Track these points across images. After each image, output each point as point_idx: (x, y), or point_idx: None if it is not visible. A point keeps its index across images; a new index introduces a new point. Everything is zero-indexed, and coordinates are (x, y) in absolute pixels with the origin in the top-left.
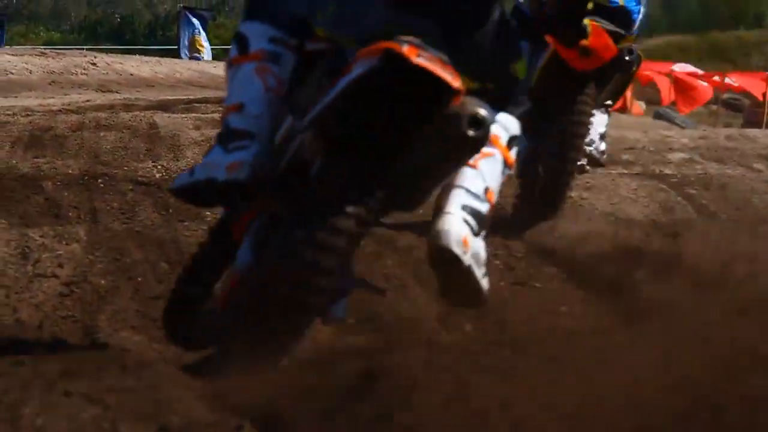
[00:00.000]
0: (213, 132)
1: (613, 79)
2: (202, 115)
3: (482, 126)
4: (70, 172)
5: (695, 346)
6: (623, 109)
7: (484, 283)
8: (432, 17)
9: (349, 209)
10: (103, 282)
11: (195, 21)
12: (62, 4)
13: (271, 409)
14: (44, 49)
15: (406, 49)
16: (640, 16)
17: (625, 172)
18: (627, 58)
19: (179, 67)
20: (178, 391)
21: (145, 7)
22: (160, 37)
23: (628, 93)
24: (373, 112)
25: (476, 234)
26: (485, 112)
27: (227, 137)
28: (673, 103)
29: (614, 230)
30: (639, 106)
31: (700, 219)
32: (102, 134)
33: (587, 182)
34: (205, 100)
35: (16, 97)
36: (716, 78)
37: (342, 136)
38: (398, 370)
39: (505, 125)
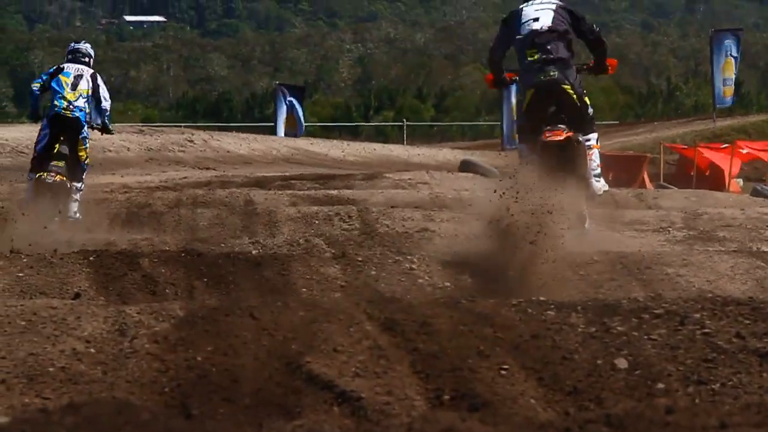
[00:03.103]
0: (309, 209)
1: None
2: (299, 192)
3: None
4: (167, 248)
5: None
6: (721, 187)
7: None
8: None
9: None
10: (199, 359)
11: (291, 98)
12: (160, 81)
13: None
14: (142, 126)
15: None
16: None
17: (722, 249)
18: None
19: (276, 144)
20: None
21: (242, 84)
22: (257, 114)
23: (725, 171)
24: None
25: (599, 180)
26: None
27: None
28: None
29: None
30: (737, 183)
31: None
32: (199, 211)
33: (684, 259)
34: (301, 177)
35: (114, 173)
36: None
37: None
38: None
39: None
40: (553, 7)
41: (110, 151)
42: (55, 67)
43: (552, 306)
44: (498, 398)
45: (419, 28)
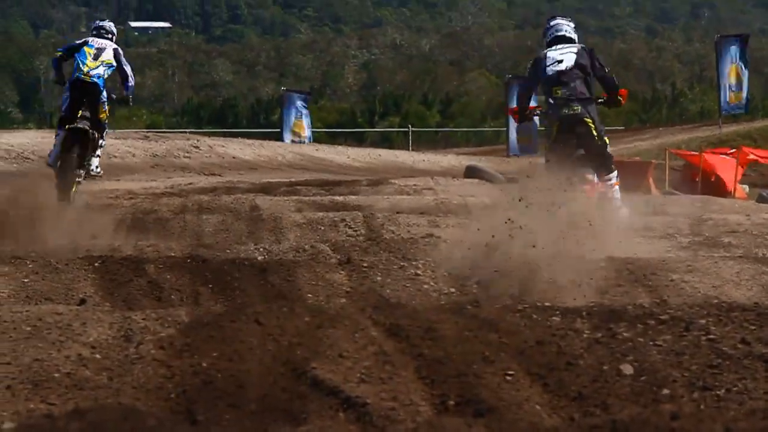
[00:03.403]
0: (315, 214)
1: None
2: (304, 198)
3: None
4: (172, 254)
5: None
6: (727, 193)
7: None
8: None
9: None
10: (205, 365)
11: (298, 104)
12: (165, 87)
13: None
14: (147, 132)
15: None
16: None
17: (728, 255)
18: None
19: (282, 150)
20: None
21: (247, 90)
22: (263, 121)
23: (731, 177)
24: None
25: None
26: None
27: None
28: None
29: None
30: (742, 189)
31: None
32: (204, 217)
33: (689, 265)
34: (306, 183)
35: (119, 180)
36: None
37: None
38: None
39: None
40: (575, 50)
41: (115, 157)
42: (81, 41)
43: (557, 311)
44: (503, 404)
45: (425, 33)
